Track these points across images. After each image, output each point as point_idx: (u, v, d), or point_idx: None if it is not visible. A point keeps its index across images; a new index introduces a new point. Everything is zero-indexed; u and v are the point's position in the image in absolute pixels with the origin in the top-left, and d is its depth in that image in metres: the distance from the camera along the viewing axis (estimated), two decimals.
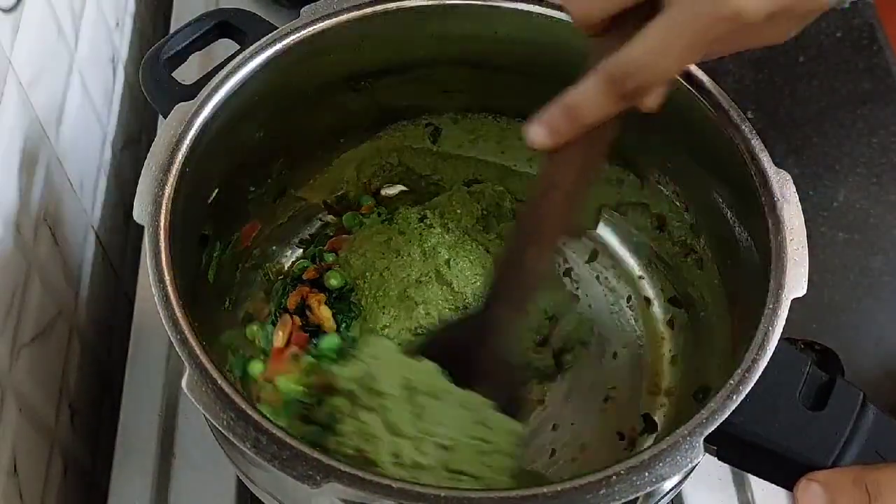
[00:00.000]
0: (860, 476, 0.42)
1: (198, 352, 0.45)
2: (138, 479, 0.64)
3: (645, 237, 0.67)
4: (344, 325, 0.64)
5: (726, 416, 0.43)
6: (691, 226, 0.63)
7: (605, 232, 0.70)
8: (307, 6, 0.57)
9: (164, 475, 0.64)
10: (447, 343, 0.55)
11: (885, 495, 0.41)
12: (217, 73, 0.55)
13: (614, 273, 0.69)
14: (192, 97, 0.54)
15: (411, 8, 0.58)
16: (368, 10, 0.57)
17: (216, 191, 0.58)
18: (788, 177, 0.51)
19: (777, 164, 0.52)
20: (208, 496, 0.63)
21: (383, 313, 0.63)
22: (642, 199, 0.66)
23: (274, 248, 0.68)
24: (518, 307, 0.52)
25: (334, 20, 0.57)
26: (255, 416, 0.43)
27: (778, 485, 0.46)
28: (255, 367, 0.61)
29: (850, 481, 0.42)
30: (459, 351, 0.53)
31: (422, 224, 0.67)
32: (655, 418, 0.63)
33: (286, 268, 0.68)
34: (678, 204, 0.63)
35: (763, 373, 0.45)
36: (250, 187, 0.63)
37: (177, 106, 0.53)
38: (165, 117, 0.54)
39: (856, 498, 0.41)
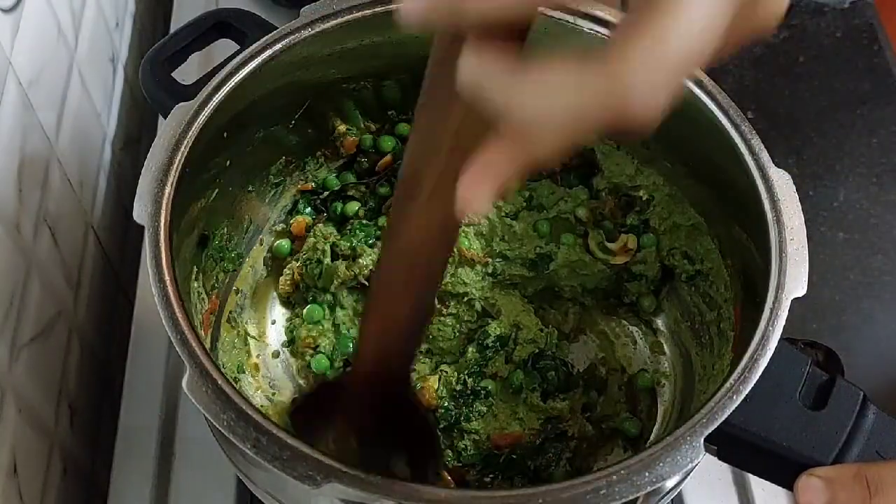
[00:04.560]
0: (861, 471, 0.42)
1: (198, 352, 0.45)
2: (138, 479, 0.64)
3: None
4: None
5: (726, 416, 0.43)
6: (691, 226, 0.63)
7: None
8: (307, 6, 0.57)
9: (164, 475, 0.64)
10: None
11: (886, 491, 0.41)
12: (217, 73, 0.55)
13: None
14: (192, 97, 0.54)
15: None
16: (368, 10, 0.57)
17: (216, 191, 0.58)
18: (788, 177, 0.51)
19: (777, 164, 0.52)
20: (208, 496, 0.63)
21: None
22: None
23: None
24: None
25: (334, 20, 0.57)
26: (256, 417, 0.43)
27: (778, 484, 0.46)
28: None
29: (851, 476, 0.42)
30: None
31: None
32: None
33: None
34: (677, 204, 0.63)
35: (763, 373, 0.45)
36: (249, 187, 0.63)
37: (177, 106, 0.53)
38: (165, 117, 0.54)
39: (856, 493, 0.41)
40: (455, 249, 0.63)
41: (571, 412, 0.61)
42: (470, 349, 0.63)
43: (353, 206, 0.67)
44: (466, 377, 0.62)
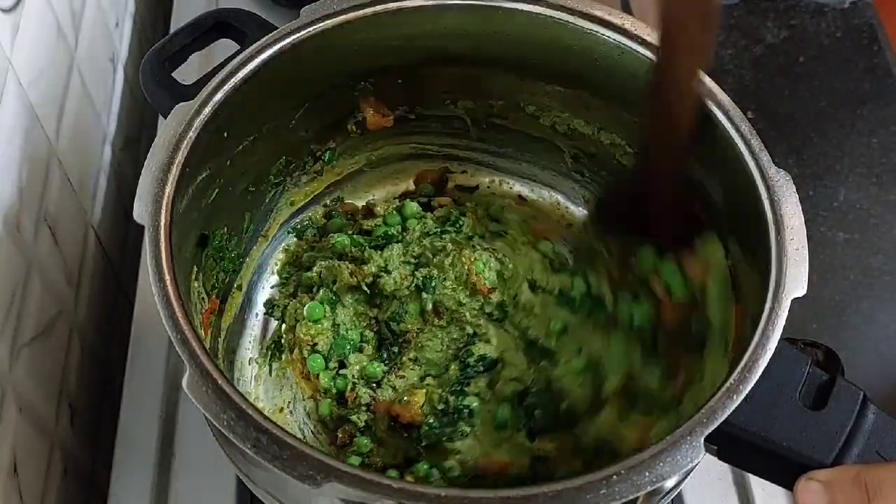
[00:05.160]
0: (860, 474, 0.42)
1: (198, 352, 0.45)
2: (138, 479, 0.64)
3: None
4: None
5: (726, 416, 0.43)
6: None
7: None
8: (307, 6, 0.57)
9: (164, 475, 0.64)
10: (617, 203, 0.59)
11: (885, 494, 0.41)
12: (217, 73, 0.55)
13: None
14: (192, 97, 0.54)
15: (411, 8, 0.58)
16: (368, 10, 0.57)
17: (216, 191, 0.58)
18: (788, 177, 0.51)
19: (777, 164, 0.52)
20: (208, 496, 0.63)
21: None
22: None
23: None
24: (675, 160, 0.54)
25: (334, 20, 0.57)
26: (255, 416, 0.43)
27: (778, 484, 0.46)
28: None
29: (850, 479, 0.42)
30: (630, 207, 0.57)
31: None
32: None
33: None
34: None
35: (763, 373, 0.45)
36: (250, 187, 0.63)
37: (177, 106, 0.53)
38: (165, 117, 0.54)
39: (855, 496, 0.41)
40: (466, 268, 0.63)
41: (560, 451, 0.59)
42: (452, 366, 0.62)
43: None
44: (448, 395, 0.61)
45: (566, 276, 0.64)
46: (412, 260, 0.64)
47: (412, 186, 0.72)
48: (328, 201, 0.70)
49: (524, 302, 0.63)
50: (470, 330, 0.64)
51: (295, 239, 0.69)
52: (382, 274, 0.63)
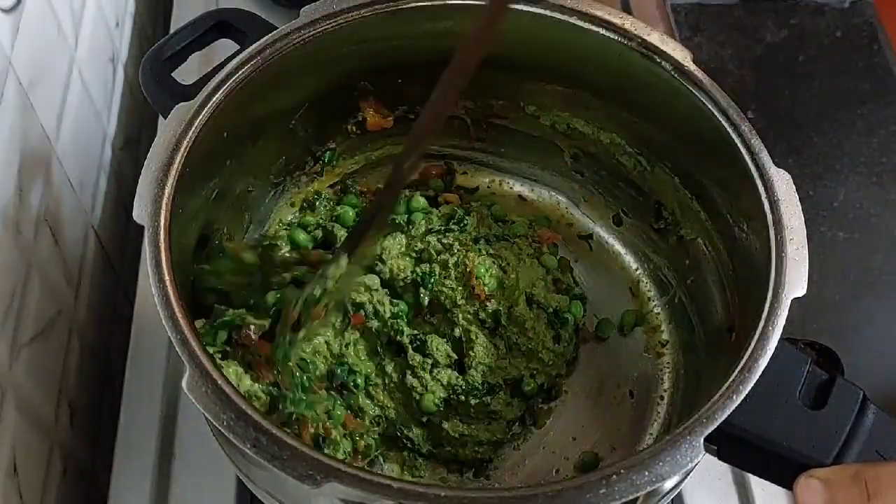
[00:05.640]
0: (860, 472, 0.42)
1: (198, 352, 0.45)
2: (138, 479, 0.64)
3: (646, 239, 0.68)
4: None
5: (726, 415, 0.44)
6: (691, 227, 0.63)
7: (606, 235, 0.70)
8: (307, 6, 0.57)
9: (164, 475, 0.64)
10: None
11: (884, 492, 0.41)
12: (217, 73, 0.55)
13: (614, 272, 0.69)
14: (192, 97, 0.54)
15: (411, 8, 0.58)
16: (368, 10, 0.58)
17: (216, 191, 0.58)
18: (788, 177, 0.51)
19: (777, 164, 0.52)
20: (208, 496, 0.63)
21: None
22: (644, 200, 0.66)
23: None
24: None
25: (334, 20, 0.57)
26: (255, 417, 0.43)
27: (778, 484, 0.46)
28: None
29: (850, 477, 0.42)
30: None
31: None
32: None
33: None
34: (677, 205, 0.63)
35: (763, 372, 0.45)
36: (250, 187, 0.63)
37: (177, 106, 0.53)
38: (165, 117, 0.54)
39: (854, 494, 0.42)
40: (468, 270, 0.62)
41: None
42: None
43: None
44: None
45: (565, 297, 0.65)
46: (413, 254, 0.64)
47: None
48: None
49: (518, 314, 0.63)
50: (458, 332, 0.63)
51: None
52: (378, 263, 0.63)
